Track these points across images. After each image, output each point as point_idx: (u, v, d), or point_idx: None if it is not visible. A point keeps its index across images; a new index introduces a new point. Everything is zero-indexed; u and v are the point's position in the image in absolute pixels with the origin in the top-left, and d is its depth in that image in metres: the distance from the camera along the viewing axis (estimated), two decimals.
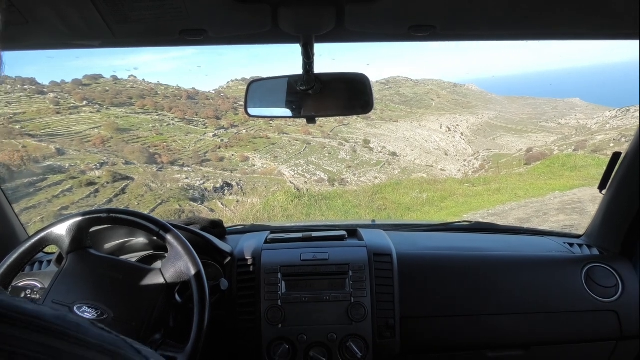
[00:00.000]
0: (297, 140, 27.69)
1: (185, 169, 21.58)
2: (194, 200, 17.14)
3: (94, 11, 0.87)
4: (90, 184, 17.00)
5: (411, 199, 12.23)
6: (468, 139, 33.92)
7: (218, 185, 18.61)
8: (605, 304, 1.48)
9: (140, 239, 1.48)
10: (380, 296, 1.42)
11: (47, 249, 1.35)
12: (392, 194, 12.81)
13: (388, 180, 19.64)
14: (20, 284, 1.34)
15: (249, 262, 1.48)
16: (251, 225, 1.86)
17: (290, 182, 21.09)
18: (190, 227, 1.46)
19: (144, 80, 31.84)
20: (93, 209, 1.26)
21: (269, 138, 27.69)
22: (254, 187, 19.06)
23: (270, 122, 28.02)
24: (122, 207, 2.17)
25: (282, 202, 12.42)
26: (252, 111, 1.25)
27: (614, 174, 1.51)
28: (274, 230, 1.72)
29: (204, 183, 18.81)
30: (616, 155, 1.49)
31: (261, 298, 1.42)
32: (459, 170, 24.95)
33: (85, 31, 0.98)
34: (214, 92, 34.48)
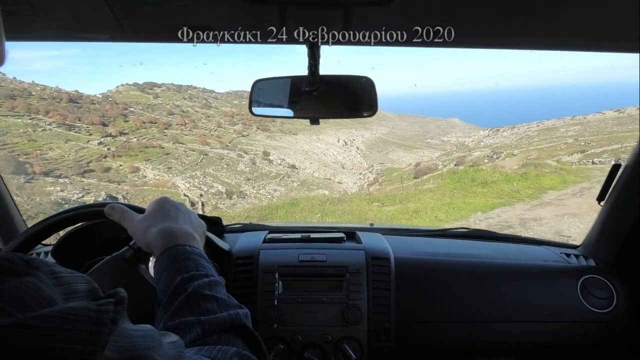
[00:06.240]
0: (193, 151, 26.61)
1: (62, 180, 19.53)
2: None
3: (103, 5, 0.88)
4: None
5: None
6: (363, 153, 35.53)
7: (100, 199, 17.09)
8: (599, 314, 1.49)
9: None
10: (376, 299, 1.42)
11: (45, 241, 1.26)
12: (285, 218, 11.61)
13: (285, 197, 19.19)
14: None
15: (247, 261, 1.48)
16: (250, 224, 1.87)
17: (185, 194, 20.14)
18: None
19: (14, 78, 28.31)
20: None
21: (163, 147, 26.26)
22: (143, 200, 17.80)
23: (165, 131, 26.70)
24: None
25: None
26: (256, 110, 1.27)
27: (612, 185, 1.53)
28: (273, 229, 1.73)
29: (82, 196, 17.15)
30: (615, 167, 1.50)
31: (258, 297, 1.42)
32: (355, 183, 25.86)
33: (93, 25, 1.01)
34: (100, 96, 31.95)
